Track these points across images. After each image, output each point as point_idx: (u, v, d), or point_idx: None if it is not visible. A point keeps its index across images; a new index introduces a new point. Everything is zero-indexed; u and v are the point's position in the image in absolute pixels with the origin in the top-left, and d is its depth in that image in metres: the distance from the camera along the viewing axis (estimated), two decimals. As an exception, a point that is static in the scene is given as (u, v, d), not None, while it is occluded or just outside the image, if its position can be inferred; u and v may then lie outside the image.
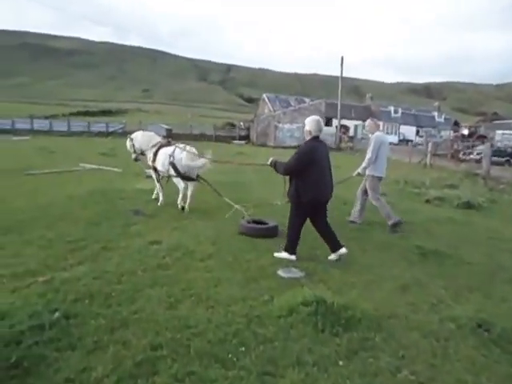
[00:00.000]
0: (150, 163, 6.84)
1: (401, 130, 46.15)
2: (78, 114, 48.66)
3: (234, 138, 34.90)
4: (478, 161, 17.85)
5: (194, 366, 2.34)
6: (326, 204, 4.44)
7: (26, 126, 30.19)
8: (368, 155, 6.11)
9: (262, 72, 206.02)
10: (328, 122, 38.89)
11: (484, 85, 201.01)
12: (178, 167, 6.30)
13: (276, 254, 4.39)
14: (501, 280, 4.22)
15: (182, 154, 6.33)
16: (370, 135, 6.46)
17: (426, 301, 3.51)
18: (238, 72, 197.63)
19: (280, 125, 31.42)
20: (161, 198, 6.78)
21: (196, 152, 6.45)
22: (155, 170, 6.71)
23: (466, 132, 36.34)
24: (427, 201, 9.17)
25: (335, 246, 4.41)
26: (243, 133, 36.92)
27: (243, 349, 2.54)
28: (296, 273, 3.91)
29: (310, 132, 4.26)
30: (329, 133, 33.47)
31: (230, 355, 2.46)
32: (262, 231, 5.16)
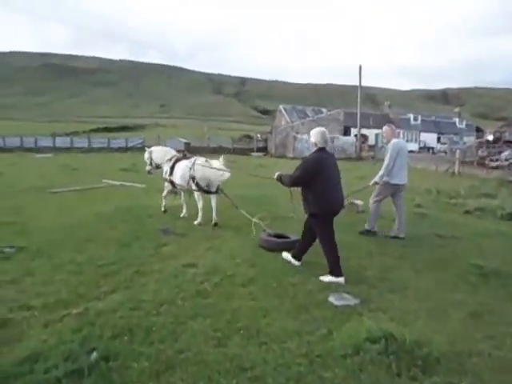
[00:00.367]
0: (165, 176, 6.84)
1: (421, 138, 45.11)
2: (98, 130, 49.61)
3: (251, 150, 34.63)
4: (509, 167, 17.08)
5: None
6: (335, 216, 4.18)
7: (48, 144, 30.73)
8: (385, 162, 5.84)
9: (276, 84, 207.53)
10: (346, 132, 38.39)
11: (502, 89, 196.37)
12: (198, 180, 6.22)
13: (321, 278, 4.04)
14: None
15: (201, 166, 6.24)
16: (384, 141, 6.16)
17: (506, 332, 3.06)
18: (252, 84, 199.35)
19: (299, 135, 31.08)
20: (184, 211, 6.87)
21: (222, 165, 6.19)
22: (172, 183, 6.73)
23: (490, 138, 35.16)
24: (467, 211, 8.63)
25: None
26: (260, 144, 36.59)
27: (311, 399, 2.18)
28: (350, 300, 3.52)
29: (315, 144, 4.20)
30: (348, 142, 32.95)
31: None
32: (282, 245, 4.91)
